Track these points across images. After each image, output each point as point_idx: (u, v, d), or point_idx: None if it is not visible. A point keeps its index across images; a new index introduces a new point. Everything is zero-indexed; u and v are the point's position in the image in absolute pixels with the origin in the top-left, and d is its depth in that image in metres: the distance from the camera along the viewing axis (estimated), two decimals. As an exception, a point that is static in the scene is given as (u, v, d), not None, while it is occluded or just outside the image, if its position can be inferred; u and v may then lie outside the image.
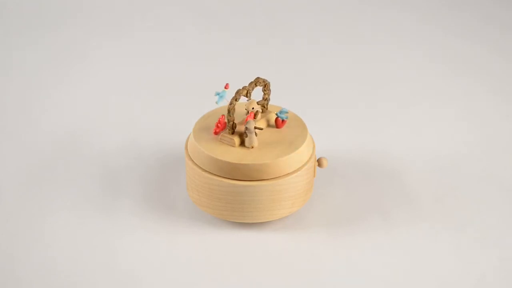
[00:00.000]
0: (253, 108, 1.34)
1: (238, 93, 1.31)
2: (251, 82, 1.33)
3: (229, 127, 1.31)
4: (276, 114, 1.35)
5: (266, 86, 1.36)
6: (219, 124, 1.33)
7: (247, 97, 1.33)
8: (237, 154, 1.29)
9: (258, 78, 1.34)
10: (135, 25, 2.04)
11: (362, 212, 1.38)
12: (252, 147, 1.30)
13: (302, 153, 1.32)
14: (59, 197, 1.41)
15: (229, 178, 1.28)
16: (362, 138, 1.59)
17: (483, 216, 1.37)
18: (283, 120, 1.35)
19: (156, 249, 1.30)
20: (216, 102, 1.31)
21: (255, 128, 1.29)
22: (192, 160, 1.32)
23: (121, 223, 1.35)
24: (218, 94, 1.32)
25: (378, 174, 1.48)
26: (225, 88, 1.33)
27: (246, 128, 1.29)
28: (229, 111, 1.30)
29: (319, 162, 1.37)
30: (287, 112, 1.34)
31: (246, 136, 1.30)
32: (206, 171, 1.30)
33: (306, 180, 1.33)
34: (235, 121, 1.34)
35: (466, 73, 1.84)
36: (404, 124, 1.64)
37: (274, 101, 1.51)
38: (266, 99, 1.37)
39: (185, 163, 1.38)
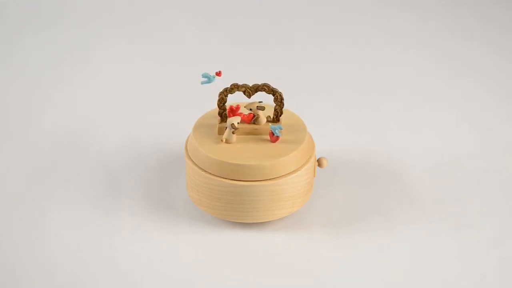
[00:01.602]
0: (250, 110, 1.33)
1: (231, 86, 1.31)
2: (255, 84, 1.33)
3: (219, 115, 1.33)
4: (270, 127, 1.32)
5: (276, 96, 1.32)
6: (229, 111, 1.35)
7: (245, 95, 1.33)
8: (237, 154, 1.29)
9: (265, 84, 1.33)
10: (135, 25, 2.04)
11: (362, 212, 1.38)
12: (222, 140, 1.31)
13: (302, 153, 1.32)
14: (59, 197, 1.41)
15: (229, 178, 1.28)
16: (362, 138, 1.59)
17: (483, 216, 1.37)
18: (276, 136, 1.32)
19: (156, 249, 1.30)
20: (201, 82, 1.32)
21: (232, 125, 1.30)
22: (192, 160, 1.32)
23: (121, 223, 1.35)
24: (205, 75, 1.32)
25: (378, 174, 1.48)
26: (217, 74, 1.32)
27: (226, 122, 1.32)
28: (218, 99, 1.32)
29: (319, 162, 1.37)
30: (281, 129, 1.31)
31: (226, 129, 1.32)
32: (206, 171, 1.30)
33: (306, 180, 1.33)
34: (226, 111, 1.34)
35: (466, 73, 1.84)
36: (405, 124, 1.64)
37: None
38: (275, 110, 1.35)
39: (185, 163, 1.38)
